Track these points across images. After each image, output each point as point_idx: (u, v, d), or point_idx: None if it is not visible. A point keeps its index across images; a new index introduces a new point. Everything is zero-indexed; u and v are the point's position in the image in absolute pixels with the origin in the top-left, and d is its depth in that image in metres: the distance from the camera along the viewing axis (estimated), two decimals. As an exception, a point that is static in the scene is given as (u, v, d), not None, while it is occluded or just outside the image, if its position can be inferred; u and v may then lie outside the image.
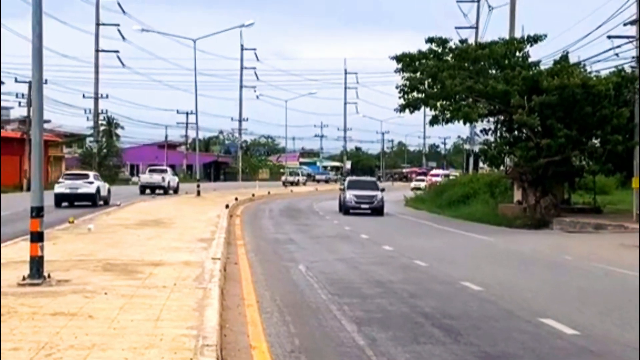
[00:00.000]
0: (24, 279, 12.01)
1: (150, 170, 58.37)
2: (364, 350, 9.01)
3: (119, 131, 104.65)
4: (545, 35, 35.51)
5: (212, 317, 9.53)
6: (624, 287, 15.12)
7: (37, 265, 12.10)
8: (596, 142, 34.75)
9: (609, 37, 33.86)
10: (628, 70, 34.49)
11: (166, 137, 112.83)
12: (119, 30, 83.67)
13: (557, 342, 9.72)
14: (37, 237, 12.19)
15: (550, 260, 20.05)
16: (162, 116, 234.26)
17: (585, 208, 37.33)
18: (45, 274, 12.21)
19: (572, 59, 35.25)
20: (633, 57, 34.01)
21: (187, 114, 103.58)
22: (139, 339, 8.27)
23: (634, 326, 10.84)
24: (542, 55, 37.00)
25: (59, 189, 39.61)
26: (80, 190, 39.25)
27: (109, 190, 42.19)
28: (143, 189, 55.04)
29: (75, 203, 38.42)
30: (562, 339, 9.86)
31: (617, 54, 34.04)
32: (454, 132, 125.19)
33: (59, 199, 38.63)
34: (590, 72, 35.15)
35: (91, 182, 40.11)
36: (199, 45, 78.00)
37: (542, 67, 35.12)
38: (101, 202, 39.52)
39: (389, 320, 10.97)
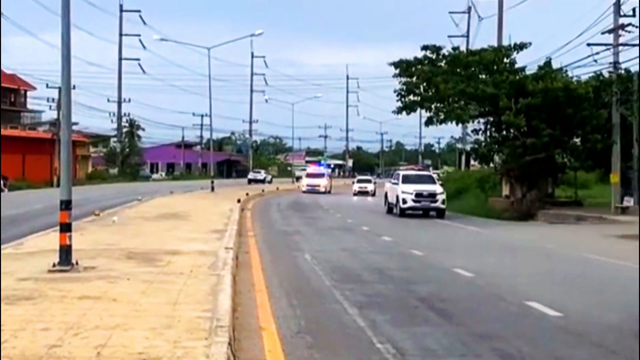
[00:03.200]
0: (54, 265, 12.03)
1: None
2: (364, 331, 9.00)
3: (140, 132, 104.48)
4: (530, 43, 35.49)
5: (225, 301, 9.52)
6: (603, 273, 15.12)
7: (65, 253, 12.12)
8: (577, 140, 34.75)
9: (589, 44, 33.81)
10: (606, 75, 34.47)
11: (183, 137, 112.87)
12: (140, 40, 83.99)
13: (541, 323, 9.69)
14: (65, 228, 12.21)
15: (535, 249, 20.02)
16: (179, 118, 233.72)
17: (567, 201, 37.30)
18: (74, 261, 12.22)
19: (555, 65, 35.25)
20: (610, 63, 33.96)
21: (202, 116, 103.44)
22: (158, 320, 8.27)
23: (611, 309, 10.83)
24: (528, 61, 36.90)
25: (249, 176, 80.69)
26: (257, 177, 74.66)
27: (271, 179, 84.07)
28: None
29: (254, 183, 66.40)
30: (545, 321, 9.84)
31: (595, 60, 34.00)
32: (448, 132, 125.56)
33: (250, 181, 76.36)
34: (571, 77, 35.13)
35: (262, 175, 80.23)
36: (213, 53, 77.85)
37: (528, 72, 35.08)
38: (267, 183, 74.82)
39: (387, 304, 10.96)
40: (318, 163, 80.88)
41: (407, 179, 33.27)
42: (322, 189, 59.85)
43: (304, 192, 58.57)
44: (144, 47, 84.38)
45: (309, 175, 63.93)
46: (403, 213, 31.69)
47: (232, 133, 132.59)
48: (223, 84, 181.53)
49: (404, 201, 31.82)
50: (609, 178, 34.03)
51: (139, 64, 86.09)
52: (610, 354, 8.13)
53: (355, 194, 57.48)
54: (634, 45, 32.70)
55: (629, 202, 31.76)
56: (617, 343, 8.57)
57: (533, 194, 34.44)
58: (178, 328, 7.92)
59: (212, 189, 51.35)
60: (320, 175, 63.56)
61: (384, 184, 63.39)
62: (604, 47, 33.70)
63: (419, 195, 31.97)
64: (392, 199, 33.66)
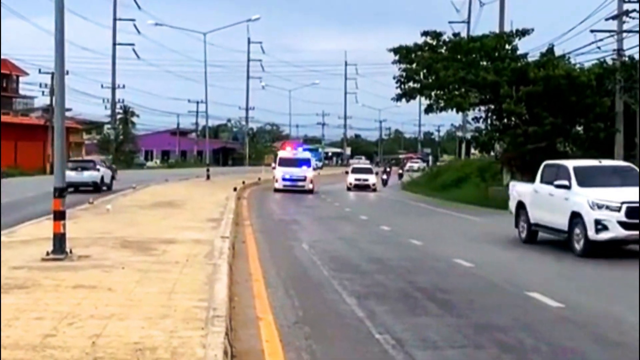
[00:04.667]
0: (47, 254, 12.04)
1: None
2: (363, 322, 9.02)
3: (134, 119, 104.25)
4: (533, 29, 35.44)
5: (222, 290, 9.54)
6: (604, 264, 15.13)
7: (59, 241, 12.14)
8: (580, 129, 34.74)
9: (592, 31, 33.72)
10: (609, 62, 34.44)
11: (178, 124, 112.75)
12: (134, 25, 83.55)
13: (543, 314, 9.72)
14: (59, 216, 12.23)
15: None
16: (175, 105, 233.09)
17: (569, 191, 37.23)
18: (67, 249, 12.24)
19: (558, 52, 35.18)
20: (614, 50, 33.91)
21: (197, 103, 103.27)
22: (154, 310, 8.28)
23: (613, 301, 10.86)
24: (530, 48, 36.85)
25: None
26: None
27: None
28: None
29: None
30: (547, 311, 9.87)
31: (599, 47, 33.92)
32: (448, 120, 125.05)
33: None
34: (574, 64, 35.10)
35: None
36: (208, 39, 77.87)
37: (530, 59, 35.04)
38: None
39: (386, 294, 10.98)
40: (297, 144, 51.21)
41: (588, 177, 16.72)
42: (309, 185, 40.30)
43: (276, 190, 39.94)
44: (138, 32, 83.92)
45: (282, 163, 41.48)
46: (594, 249, 15.57)
47: (228, 120, 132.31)
48: (219, 70, 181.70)
49: (601, 226, 15.41)
50: (611, 167, 33.99)
51: (133, 50, 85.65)
52: (613, 346, 8.15)
53: (349, 189, 44.99)
54: (637, 31, 32.66)
55: (631, 191, 31.74)
56: (620, 335, 8.59)
57: (534, 184, 34.46)
58: (174, 318, 7.94)
59: (208, 177, 51.34)
60: (303, 163, 41.61)
61: (388, 172, 60.65)
62: (607, 34, 33.66)
63: (633, 212, 15.29)
64: (544, 216, 17.40)
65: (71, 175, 34.25)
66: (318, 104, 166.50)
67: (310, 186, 40.45)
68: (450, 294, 10.96)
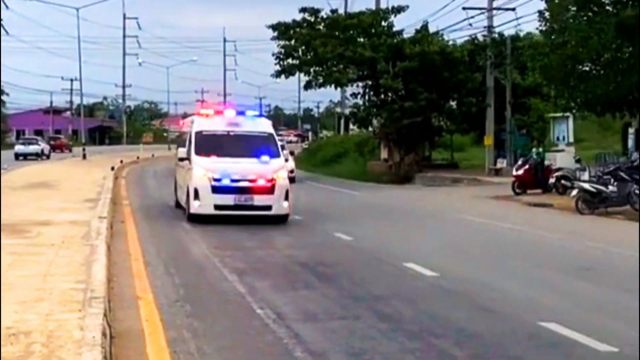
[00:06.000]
0: None
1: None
2: (244, 297, 9.05)
3: (4, 97, 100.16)
4: (408, 7, 36.11)
5: (100, 271, 9.35)
6: (476, 233, 15.73)
7: None
8: (453, 104, 35.79)
9: (464, 8, 34.69)
10: (480, 38, 35.55)
11: (51, 103, 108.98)
12: (2, 0, 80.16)
13: (418, 283, 10.02)
14: None
15: (412, 212, 20.58)
16: (47, 82, 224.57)
17: (444, 164, 38.50)
18: None
19: (432, 29, 36.03)
20: (485, 27, 35.01)
21: (71, 80, 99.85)
22: (28, 294, 8.04)
23: (487, 268, 11.31)
24: (405, 24, 37.58)
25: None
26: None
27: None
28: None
29: None
30: (423, 281, 10.17)
31: (470, 24, 34.94)
32: (327, 96, 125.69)
33: None
34: (447, 41, 36.05)
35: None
36: (82, 14, 75.50)
37: (405, 36, 35.73)
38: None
39: (268, 269, 11.05)
40: (238, 111, 18.15)
41: None
42: (283, 206, 16.37)
43: (193, 216, 16.37)
44: (7, 7, 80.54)
45: (207, 146, 17.11)
46: None
47: (105, 98, 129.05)
48: (94, 46, 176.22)
49: None
50: (483, 140, 35.25)
51: (2, 25, 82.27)
52: (486, 312, 8.49)
53: None
54: (507, 9, 33.85)
55: (502, 163, 33.07)
56: (491, 301, 8.95)
57: (411, 157, 35.33)
58: (50, 301, 7.74)
59: (84, 156, 50.04)
60: (259, 145, 17.14)
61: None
62: (478, 11, 34.69)
63: None
64: None
65: (21, 148, 53.58)
66: (197, 81, 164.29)
67: (286, 206, 16.73)
68: (330, 267, 11.13)
